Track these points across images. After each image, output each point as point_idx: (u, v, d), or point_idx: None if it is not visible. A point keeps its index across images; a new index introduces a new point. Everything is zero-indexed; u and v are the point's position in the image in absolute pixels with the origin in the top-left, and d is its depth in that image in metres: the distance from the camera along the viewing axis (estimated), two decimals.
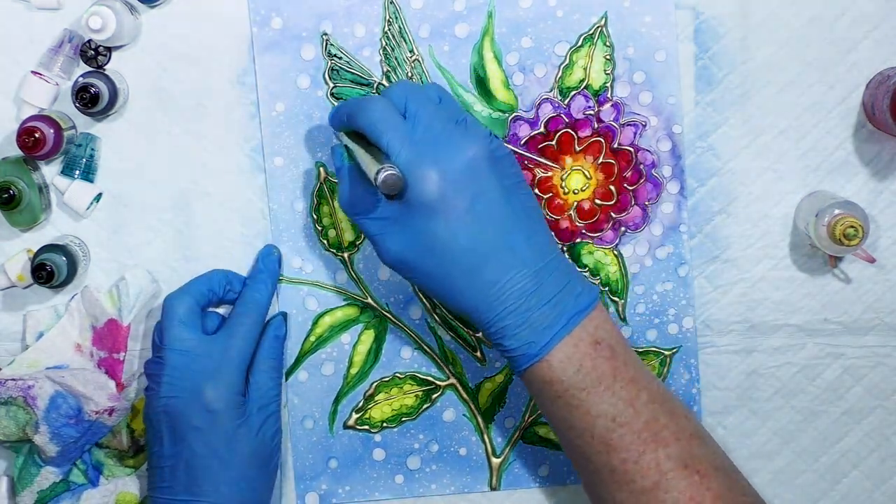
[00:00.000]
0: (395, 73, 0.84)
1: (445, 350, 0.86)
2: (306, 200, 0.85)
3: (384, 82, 0.84)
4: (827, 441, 0.87)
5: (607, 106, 0.85)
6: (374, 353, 0.86)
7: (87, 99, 0.79)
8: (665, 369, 0.87)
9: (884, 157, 0.85)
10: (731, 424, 0.87)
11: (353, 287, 0.86)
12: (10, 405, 0.82)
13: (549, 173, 0.85)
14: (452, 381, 0.87)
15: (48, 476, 0.83)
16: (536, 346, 0.72)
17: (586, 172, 0.85)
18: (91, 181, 0.84)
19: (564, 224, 0.85)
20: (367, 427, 0.87)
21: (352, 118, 0.75)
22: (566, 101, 0.84)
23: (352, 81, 0.84)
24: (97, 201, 0.84)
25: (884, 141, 0.85)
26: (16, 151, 0.81)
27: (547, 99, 0.84)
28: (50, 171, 0.84)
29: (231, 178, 0.85)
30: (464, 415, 0.87)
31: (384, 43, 0.84)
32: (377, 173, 0.69)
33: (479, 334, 0.86)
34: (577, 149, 0.85)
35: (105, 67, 0.83)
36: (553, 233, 0.84)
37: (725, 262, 0.86)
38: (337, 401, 0.87)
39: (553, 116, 0.84)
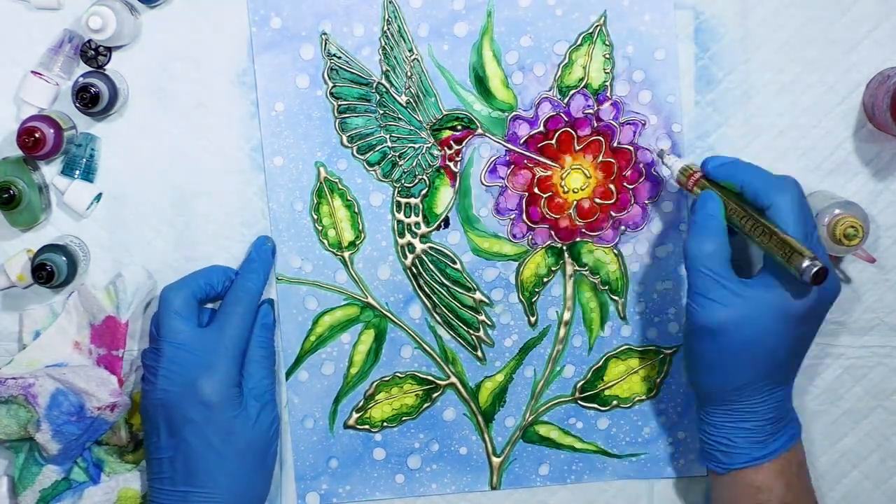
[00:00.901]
0: (394, 73, 0.84)
1: (445, 349, 0.86)
2: (306, 200, 0.85)
3: (383, 82, 0.84)
4: (827, 441, 0.87)
5: (607, 105, 0.84)
6: (374, 352, 0.86)
7: (87, 99, 0.79)
8: (665, 368, 0.87)
9: (884, 157, 0.85)
10: None
11: (353, 287, 0.86)
12: (10, 404, 0.82)
13: (549, 172, 0.85)
14: (453, 380, 0.87)
15: (50, 475, 0.83)
16: (763, 451, 0.77)
17: (586, 171, 0.85)
18: (91, 181, 0.84)
19: (564, 223, 0.85)
20: (367, 427, 0.87)
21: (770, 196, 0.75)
22: (565, 100, 0.84)
23: (351, 81, 0.84)
24: (97, 201, 0.84)
25: (884, 141, 0.85)
26: (16, 151, 0.81)
27: (546, 98, 0.84)
28: (50, 171, 0.84)
29: (231, 177, 0.85)
30: (464, 414, 0.87)
31: (383, 42, 0.84)
32: (806, 264, 0.70)
33: (480, 333, 0.86)
34: (577, 148, 0.85)
35: (105, 67, 0.83)
36: (555, 233, 0.85)
37: None
38: (337, 400, 0.87)
39: (552, 115, 0.84)
